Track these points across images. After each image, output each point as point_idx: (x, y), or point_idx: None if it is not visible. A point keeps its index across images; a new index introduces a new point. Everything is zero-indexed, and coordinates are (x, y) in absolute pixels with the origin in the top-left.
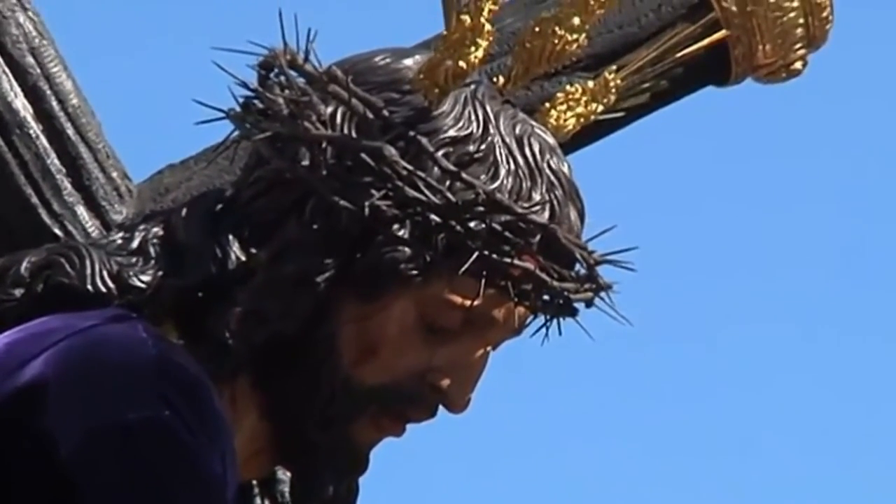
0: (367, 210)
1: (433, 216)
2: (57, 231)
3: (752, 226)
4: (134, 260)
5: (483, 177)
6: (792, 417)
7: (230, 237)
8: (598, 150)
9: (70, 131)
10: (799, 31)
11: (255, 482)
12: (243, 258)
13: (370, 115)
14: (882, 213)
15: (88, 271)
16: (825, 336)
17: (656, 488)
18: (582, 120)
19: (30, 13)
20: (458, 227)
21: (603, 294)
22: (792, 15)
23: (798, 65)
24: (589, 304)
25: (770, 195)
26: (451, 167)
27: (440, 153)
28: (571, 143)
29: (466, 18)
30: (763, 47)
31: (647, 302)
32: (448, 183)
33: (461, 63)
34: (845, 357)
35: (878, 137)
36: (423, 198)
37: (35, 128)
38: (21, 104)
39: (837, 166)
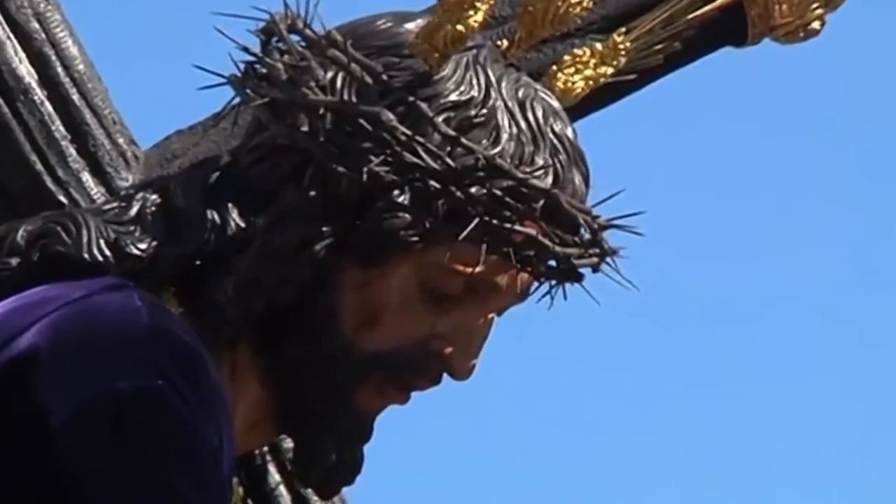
0: (365, 176)
1: (433, 182)
2: (62, 198)
3: (771, 192)
4: (131, 228)
5: (484, 142)
6: (803, 409)
7: (229, 204)
8: (614, 113)
9: (76, 97)
10: None
11: (264, 449)
12: (242, 225)
13: (369, 80)
14: None
15: (85, 240)
16: (842, 321)
17: (668, 479)
18: (591, 83)
19: None
20: (459, 193)
21: (609, 259)
22: None
23: (816, 24)
24: (595, 269)
25: (789, 160)
26: (451, 132)
27: (440, 118)
28: (585, 106)
29: None
30: (779, 7)
31: (660, 276)
32: (448, 148)
33: (460, 27)
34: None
35: None
36: (422, 163)
37: (40, 94)
38: (26, 70)
39: (858, 129)
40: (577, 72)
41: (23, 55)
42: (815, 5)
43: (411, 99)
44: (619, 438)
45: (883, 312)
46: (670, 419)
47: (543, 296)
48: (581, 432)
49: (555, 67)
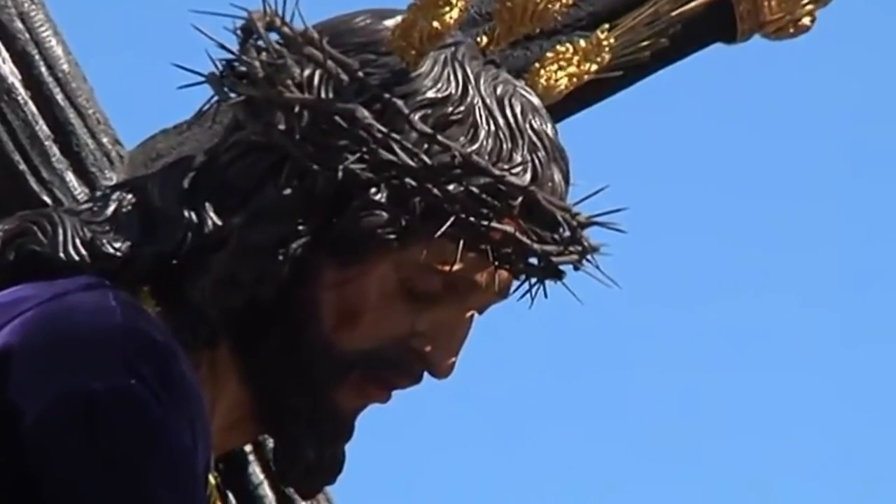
0: (341, 173)
1: (409, 179)
2: (45, 198)
3: (759, 186)
4: (107, 227)
5: (462, 139)
6: (783, 394)
7: (206, 203)
8: (604, 110)
9: (59, 97)
10: None
11: (248, 448)
12: (219, 224)
13: (345, 77)
14: (890, 175)
15: (61, 239)
16: (823, 306)
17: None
18: (574, 80)
19: None
20: (435, 190)
21: (589, 256)
22: None
23: (806, 20)
24: (576, 266)
25: (780, 155)
26: (427, 129)
27: (417, 115)
28: (573, 104)
29: None
30: (768, 3)
31: (648, 267)
32: (425, 145)
33: (435, 23)
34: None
35: (891, 94)
36: (398, 161)
37: (23, 94)
38: (9, 70)
39: (846, 124)
40: (561, 68)
41: (6, 55)
42: (805, 1)
43: (387, 96)
44: (600, 429)
45: (865, 305)
46: (652, 405)
47: (524, 294)
48: (561, 421)
49: (537, 64)
